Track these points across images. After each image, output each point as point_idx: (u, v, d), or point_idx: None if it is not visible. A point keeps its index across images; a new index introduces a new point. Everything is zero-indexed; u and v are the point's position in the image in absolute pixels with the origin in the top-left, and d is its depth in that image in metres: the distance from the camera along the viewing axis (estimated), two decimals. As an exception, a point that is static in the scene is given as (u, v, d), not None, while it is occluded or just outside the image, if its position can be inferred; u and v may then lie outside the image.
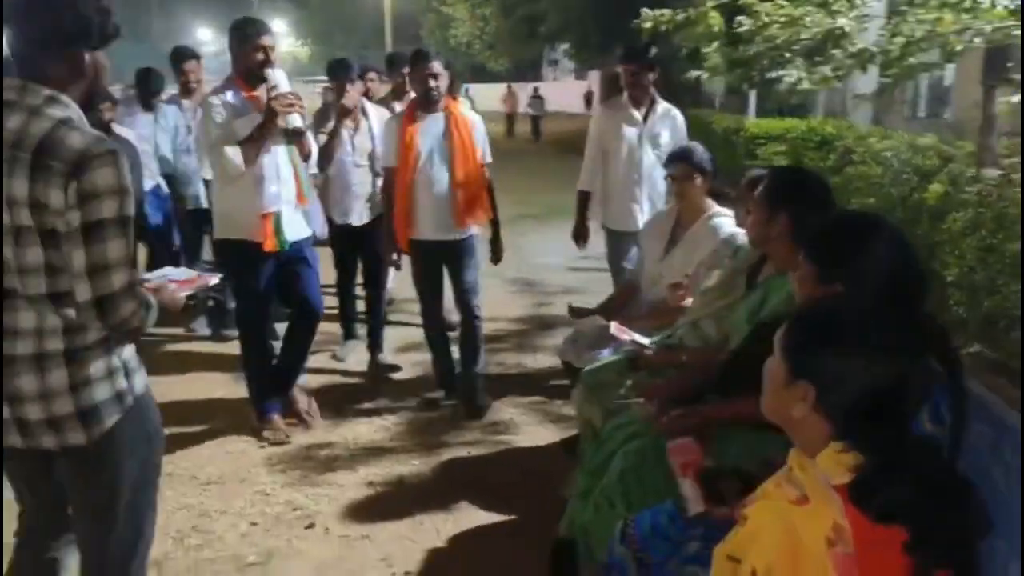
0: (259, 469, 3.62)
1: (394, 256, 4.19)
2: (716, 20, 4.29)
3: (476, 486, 3.46)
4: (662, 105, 4.39)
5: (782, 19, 4.31)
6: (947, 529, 1.22)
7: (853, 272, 1.62)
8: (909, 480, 1.23)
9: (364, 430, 4.02)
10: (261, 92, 3.58)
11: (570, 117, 28.90)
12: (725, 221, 3.43)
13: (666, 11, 4.43)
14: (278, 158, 3.65)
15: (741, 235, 3.44)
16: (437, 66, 3.85)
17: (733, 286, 2.87)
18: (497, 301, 6.01)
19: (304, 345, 4.01)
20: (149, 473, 1.95)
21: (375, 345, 4.87)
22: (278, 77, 3.54)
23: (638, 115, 4.34)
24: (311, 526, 3.17)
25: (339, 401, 4.36)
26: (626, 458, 2.33)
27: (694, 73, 5.05)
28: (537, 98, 25.88)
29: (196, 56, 5.34)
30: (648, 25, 4.46)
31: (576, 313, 3.76)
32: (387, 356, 4.91)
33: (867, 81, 6.17)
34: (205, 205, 5.16)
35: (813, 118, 7.77)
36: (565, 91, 35.16)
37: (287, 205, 3.68)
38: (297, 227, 3.78)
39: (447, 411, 4.20)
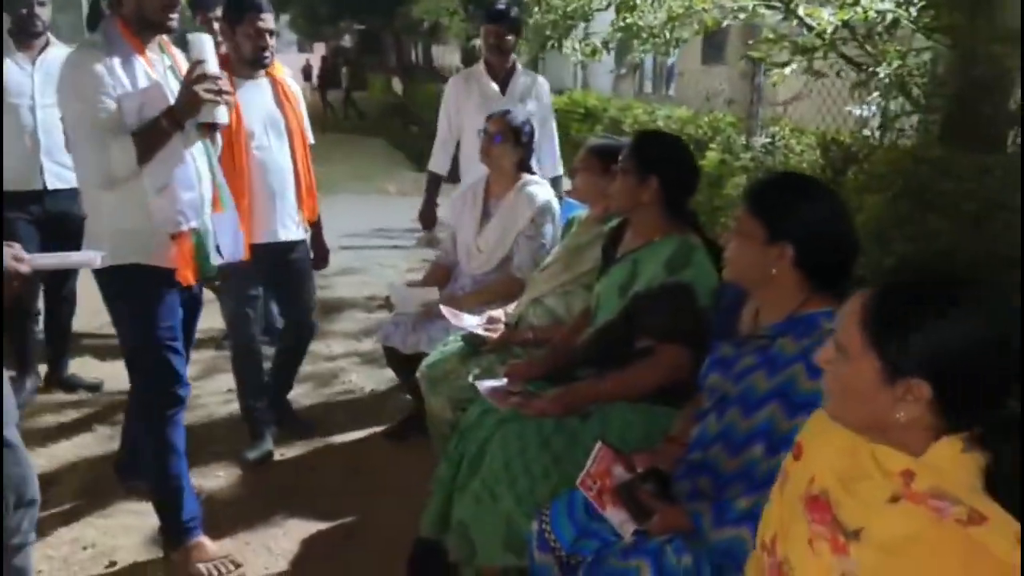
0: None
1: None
2: (505, -15, 4.19)
3: (299, 492, 3.14)
4: (524, 74, 4.05)
5: (567, -11, 4.33)
6: None
7: (802, 231, 1.60)
8: None
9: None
10: (163, 57, 2.50)
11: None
12: (539, 189, 3.37)
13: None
14: (192, 150, 2.55)
15: (556, 204, 3.42)
16: (270, 19, 3.11)
17: (576, 260, 2.82)
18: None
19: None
20: None
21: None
22: (204, 45, 2.44)
23: (495, 87, 3.96)
24: (112, 564, 2.69)
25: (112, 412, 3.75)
26: (506, 445, 2.20)
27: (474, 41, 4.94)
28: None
29: None
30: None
31: (394, 297, 3.49)
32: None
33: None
34: None
35: (573, 91, 8.06)
36: (285, 64, 33.66)
37: (206, 217, 2.61)
38: (217, 246, 2.69)
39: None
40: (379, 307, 5.46)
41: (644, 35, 4.99)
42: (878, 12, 3.77)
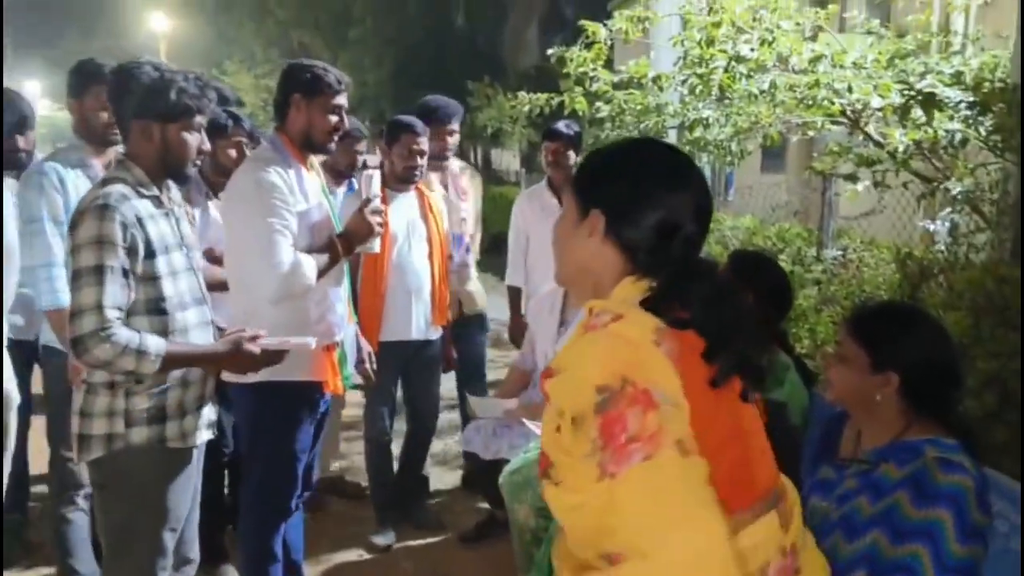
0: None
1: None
2: (582, 104, 4.43)
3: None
4: None
5: (637, 107, 4.54)
6: (735, 339, 1.25)
7: (908, 361, 1.66)
8: (695, 292, 1.26)
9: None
10: (313, 175, 2.65)
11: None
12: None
13: (541, 95, 4.53)
14: (343, 268, 2.75)
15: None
16: (425, 143, 3.44)
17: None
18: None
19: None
20: (133, 523, 2.08)
21: None
22: (375, 180, 2.71)
23: (554, 202, 4.03)
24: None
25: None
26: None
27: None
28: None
29: None
30: (526, 108, 4.54)
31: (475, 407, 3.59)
32: None
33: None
34: None
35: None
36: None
37: (346, 330, 2.78)
38: (351, 357, 2.89)
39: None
40: (449, 408, 5.54)
41: (711, 148, 5.17)
42: (947, 131, 3.87)
